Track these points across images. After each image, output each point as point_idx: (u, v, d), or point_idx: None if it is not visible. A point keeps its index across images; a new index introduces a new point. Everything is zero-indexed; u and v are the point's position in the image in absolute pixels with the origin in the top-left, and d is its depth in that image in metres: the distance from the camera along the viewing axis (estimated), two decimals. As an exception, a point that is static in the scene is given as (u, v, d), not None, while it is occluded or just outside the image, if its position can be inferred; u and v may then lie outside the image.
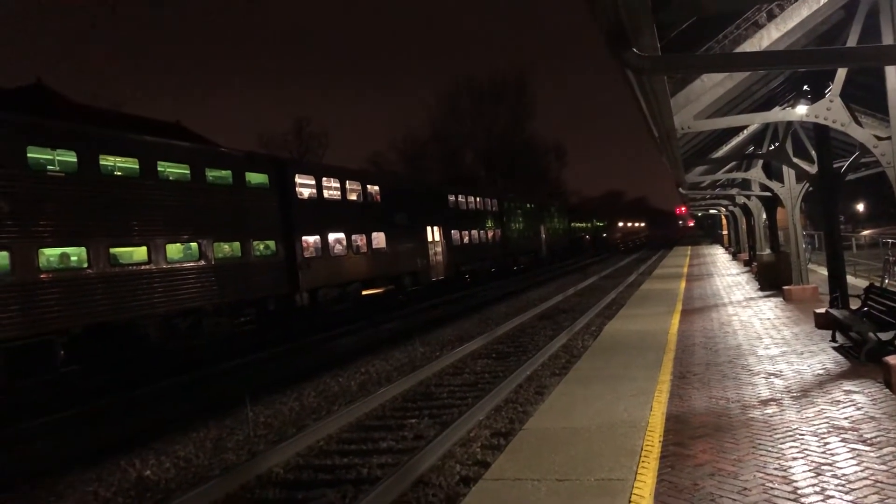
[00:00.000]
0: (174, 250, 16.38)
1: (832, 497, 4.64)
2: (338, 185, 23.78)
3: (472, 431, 8.76)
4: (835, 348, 9.53)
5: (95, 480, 8.09)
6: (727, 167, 22.75)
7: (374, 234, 25.25)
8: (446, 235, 32.54)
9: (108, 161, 15.20)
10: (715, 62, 6.79)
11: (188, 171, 17.13)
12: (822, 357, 9.08)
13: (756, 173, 17.54)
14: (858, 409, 6.58)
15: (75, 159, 14.22)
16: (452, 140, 75.54)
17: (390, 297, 26.81)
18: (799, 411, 6.68)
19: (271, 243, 19.77)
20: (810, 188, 15.42)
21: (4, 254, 12.51)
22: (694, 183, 21.55)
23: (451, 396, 11.02)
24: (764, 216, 23.22)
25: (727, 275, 25.16)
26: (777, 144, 14.61)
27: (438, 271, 31.36)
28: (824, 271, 14.22)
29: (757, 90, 13.15)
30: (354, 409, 10.07)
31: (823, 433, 5.96)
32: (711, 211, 48.88)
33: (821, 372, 8.25)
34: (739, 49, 8.20)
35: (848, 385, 7.48)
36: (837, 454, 5.42)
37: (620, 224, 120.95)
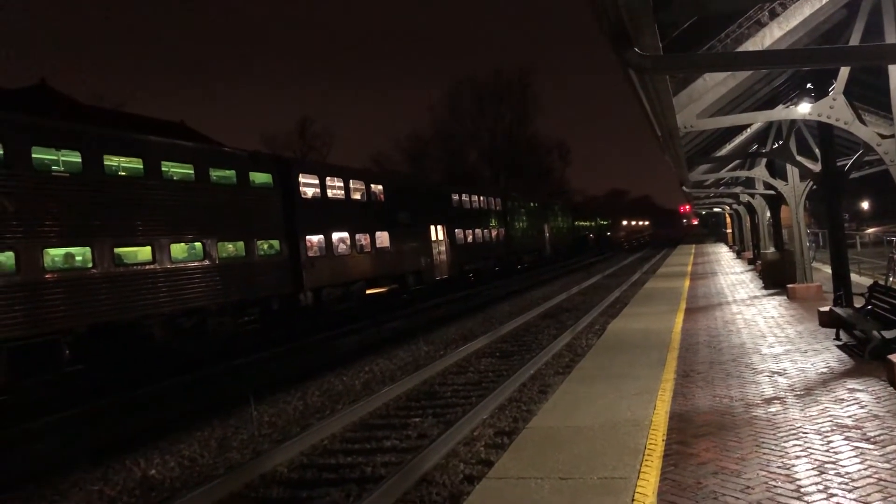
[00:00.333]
0: (178, 250, 16.43)
1: (835, 495, 4.64)
2: (341, 184, 23.80)
3: (476, 430, 8.77)
4: (839, 346, 9.52)
5: (100, 479, 8.12)
6: (731, 165, 22.70)
7: (378, 234, 25.27)
8: (450, 234, 32.54)
9: (112, 161, 15.25)
10: (717, 61, 6.78)
11: (192, 171, 17.18)
12: (825, 355, 9.07)
13: (760, 172, 17.50)
14: (862, 407, 6.57)
15: (79, 159, 14.27)
16: (455, 139, 75.60)
17: (394, 296, 26.83)
18: (802, 410, 6.68)
19: (275, 243, 19.81)
20: (814, 186, 15.39)
21: (9, 254, 12.57)
22: (697, 181, 21.52)
23: (454, 395, 11.03)
24: (768, 214, 23.14)
25: (731, 273, 25.12)
26: (781, 143, 14.59)
27: (442, 270, 31.37)
28: (828, 269, 14.18)
29: (760, 89, 13.12)
30: (358, 408, 10.08)
31: (827, 431, 5.96)
32: (715, 209, 48.78)
33: (824, 370, 8.24)
34: (742, 48, 8.18)
35: (852, 383, 7.48)
36: (841, 452, 5.42)
37: (624, 223, 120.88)
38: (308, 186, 21.84)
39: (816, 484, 4.85)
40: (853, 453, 5.38)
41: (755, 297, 16.80)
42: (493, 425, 8.98)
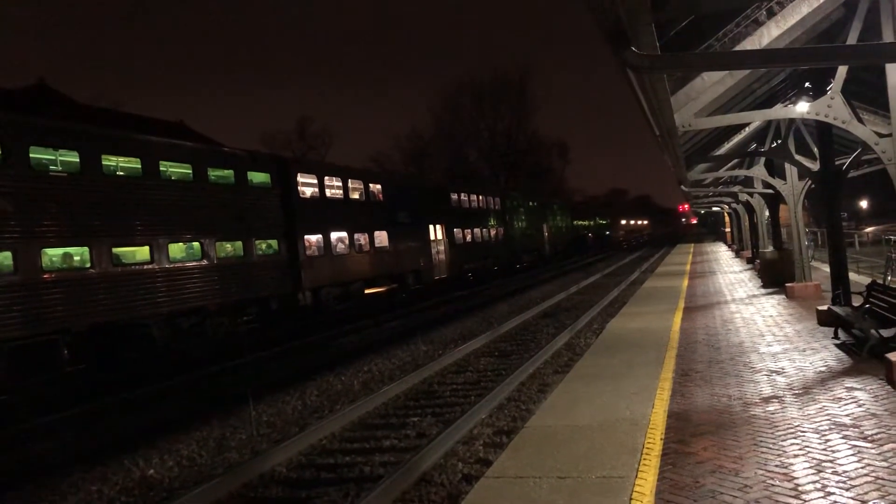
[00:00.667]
0: (177, 250, 16.42)
1: (833, 494, 4.65)
2: (340, 183, 23.80)
3: (475, 429, 8.77)
4: (837, 345, 9.53)
5: (99, 479, 8.12)
6: (729, 164, 22.73)
7: (377, 233, 25.27)
8: (449, 234, 32.54)
9: (110, 161, 15.24)
10: (715, 61, 6.80)
11: (190, 171, 17.17)
12: (824, 354, 9.08)
13: (758, 171, 17.52)
14: (860, 405, 6.58)
15: (78, 159, 14.26)
16: (455, 138, 75.53)
17: (393, 295, 26.83)
18: (800, 408, 6.69)
19: (274, 242, 19.80)
20: (813, 185, 15.40)
21: (8, 254, 12.56)
22: (696, 180, 21.56)
23: (453, 394, 11.04)
24: (766, 213, 23.19)
25: (730, 272, 25.14)
26: (779, 142, 14.61)
27: (441, 270, 31.37)
28: (827, 268, 14.20)
29: (758, 87, 13.13)
30: (357, 407, 10.08)
31: (825, 430, 5.96)
32: (714, 208, 48.85)
33: (823, 369, 8.25)
34: (739, 47, 8.18)
35: (850, 382, 7.49)
36: (839, 451, 5.43)
37: (623, 222, 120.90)
38: (306, 186, 21.83)
39: (814, 483, 4.86)
40: (851, 452, 5.39)
41: (754, 295, 16.81)
42: (492, 424, 8.99)
